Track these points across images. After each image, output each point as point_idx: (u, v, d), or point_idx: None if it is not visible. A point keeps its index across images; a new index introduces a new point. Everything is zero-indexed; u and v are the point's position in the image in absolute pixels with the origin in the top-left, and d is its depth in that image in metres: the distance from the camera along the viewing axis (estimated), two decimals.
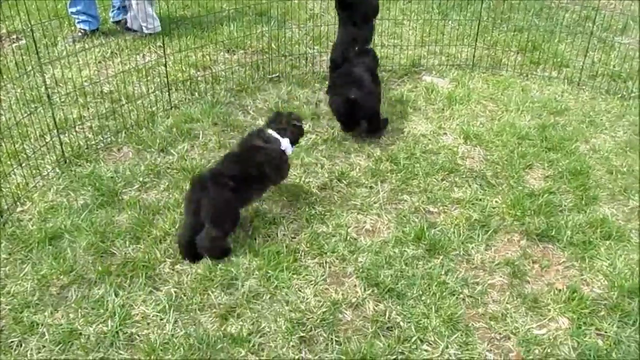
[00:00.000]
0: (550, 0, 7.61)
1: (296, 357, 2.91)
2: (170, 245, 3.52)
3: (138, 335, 3.00)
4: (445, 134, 4.79)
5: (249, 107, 5.03)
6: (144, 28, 6.17)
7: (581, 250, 3.64)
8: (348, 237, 3.64)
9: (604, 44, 6.46)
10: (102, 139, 4.51)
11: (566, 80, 5.82)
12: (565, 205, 4.02)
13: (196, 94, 5.21)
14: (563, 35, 6.64)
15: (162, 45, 5.32)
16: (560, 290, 3.35)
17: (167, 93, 5.00)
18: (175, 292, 3.23)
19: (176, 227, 3.62)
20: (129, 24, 6.26)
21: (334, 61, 5.05)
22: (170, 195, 3.93)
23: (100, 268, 3.34)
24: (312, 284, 3.30)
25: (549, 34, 6.58)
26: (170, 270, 3.37)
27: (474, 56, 6.03)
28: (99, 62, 5.67)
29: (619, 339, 3.08)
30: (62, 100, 4.89)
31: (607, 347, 3.04)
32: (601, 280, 3.45)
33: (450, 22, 6.90)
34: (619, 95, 5.60)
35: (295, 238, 3.62)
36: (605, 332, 3.12)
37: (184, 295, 3.21)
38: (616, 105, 5.40)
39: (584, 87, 5.74)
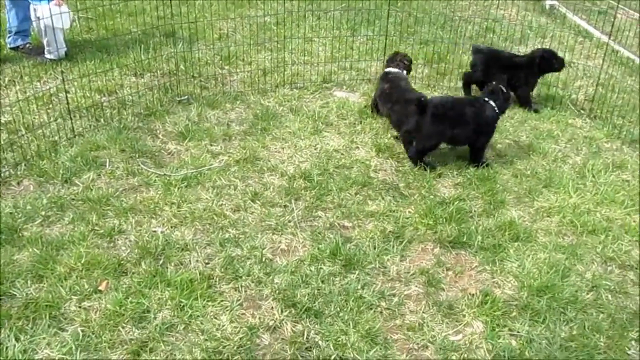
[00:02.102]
0: (454, 14, 7.91)
1: None
2: (76, 282, 3.34)
3: None
4: (357, 147, 4.85)
5: (158, 131, 4.90)
6: (46, 53, 5.91)
7: (492, 254, 3.75)
8: (263, 259, 3.58)
9: None
10: None
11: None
12: (475, 211, 4.14)
13: (102, 120, 5.01)
14: (467, 47, 6.89)
15: (63, 70, 5.10)
16: (473, 295, 3.43)
17: (69, 121, 4.79)
18: (82, 331, 3.06)
19: (82, 262, 3.44)
20: (45, 52, 5.96)
21: None
22: (76, 229, 3.74)
23: None
24: (227, 310, 3.21)
25: (453, 46, 6.82)
26: (76, 308, 3.19)
27: (382, 69, 6.15)
28: None
29: (530, 337, 3.18)
30: None
31: (520, 346, 3.13)
32: (512, 282, 3.56)
33: (359, 38, 7.03)
34: None
35: (208, 264, 3.53)
36: (518, 332, 3.22)
37: (93, 334, 3.04)
38: (518, 111, 5.65)
39: None
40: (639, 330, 3.26)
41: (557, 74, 5.93)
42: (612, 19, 6.32)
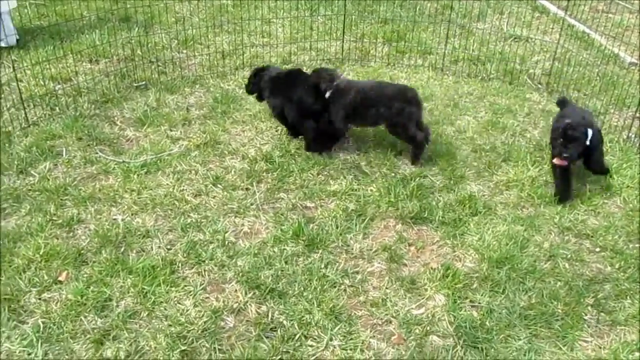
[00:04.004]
0: None
1: None
2: (35, 274, 3.28)
3: None
4: None
5: (116, 118, 4.81)
6: None
7: (452, 228, 3.81)
8: (226, 242, 3.57)
9: (463, 30, 6.82)
10: None
11: (430, 67, 6.08)
12: (435, 187, 4.19)
13: (57, 108, 4.90)
14: (425, 24, 6.94)
15: (14, 59, 4.96)
16: (435, 269, 3.48)
17: (23, 110, 4.66)
18: (43, 322, 3.01)
19: (40, 253, 3.37)
20: None
21: None
22: (33, 220, 3.67)
23: None
24: (191, 295, 3.20)
25: (412, 24, 6.83)
26: (36, 300, 3.14)
27: (342, 49, 6.15)
28: None
29: (491, 307, 3.25)
30: None
31: (481, 317, 3.20)
32: (472, 255, 3.63)
33: (318, 18, 6.99)
34: (480, 78, 5.94)
35: (171, 249, 3.51)
36: (479, 303, 3.29)
37: (54, 325, 3.00)
38: (477, 87, 5.71)
39: (447, 72, 6.03)
40: (594, 296, 3.36)
41: (514, 49, 5.99)
42: None
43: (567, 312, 3.25)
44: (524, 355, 3.00)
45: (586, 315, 3.26)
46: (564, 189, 4.14)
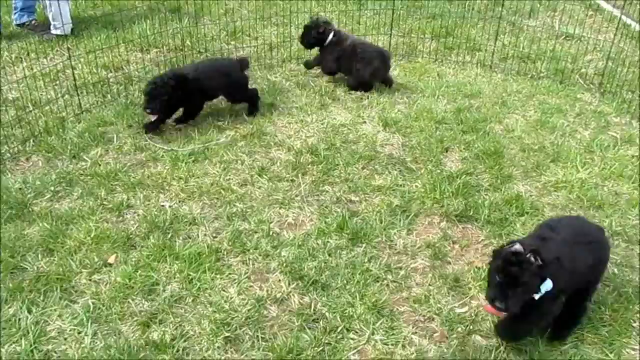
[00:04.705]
0: None
1: (222, 358, 2.85)
2: (86, 255, 3.38)
3: (55, 352, 2.86)
4: (364, 122, 4.84)
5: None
6: (52, 28, 5.90)
7: (498, 228, 3.75)
8: (271, 233, 3.61)
9: (514, 27, 6.69)
10: (8, 149, 4.27)
11: (479, 64, 5.99)
12: (482, 185, 4.13)
13: (109, 96, 5.02)
14: (475, 20, 6.83)
15: (69, 47, 5.10)
16: (479, 268, 3.44)
17: (76, 97, 4.79)
18: (93, 303, 3.10)
19: (91, 236, 3.47)
20: (51, 28, 5.95)
21: None
22: (84, 203, 3.78)
23: (11, 285, 3.16)
24: (235, 283, 3.25)
25: (461, 20, 6.74)
26: (87, 281, 3.24)
27: (389, 45, 6.11)
28: (3, 67, 5.36)
29: None
30: None
31: None
32: None
33: (366, 12, 6.96)
34: (529, 76, 5.83)
35: (216, 237, 3.56)
36: None
37: (103, 306, 3.09)
38: (526, 86, 5.60)
39: (495, 69, 5.93)
40: None
41: (566, 48, 5.86)
42: None
43: (614, 318, 3.17)
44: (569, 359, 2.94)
45: (634, 322, 3.17)
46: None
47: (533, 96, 5.42)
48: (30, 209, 3.72)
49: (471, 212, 3.85)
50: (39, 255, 3.37)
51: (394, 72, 5.68)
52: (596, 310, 3.19)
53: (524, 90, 5.52)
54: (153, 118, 4.43)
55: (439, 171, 4.24)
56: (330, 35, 5.31)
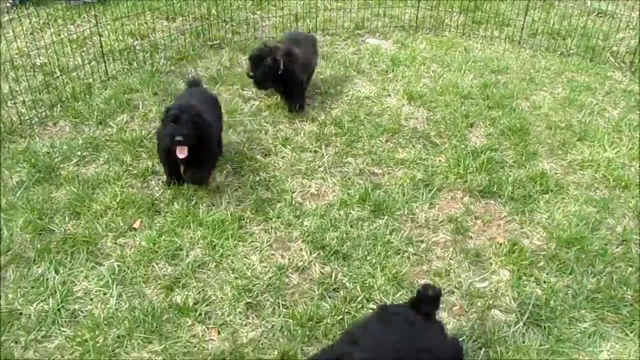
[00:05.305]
0: None
1: (243, 322, 2.91)
2: (111, 219, 3.44)
3: (81, 312, 2.94)
4: (389, 95, 4.80)
5: (190, 75, 4.91)
6: None
7: (521, 205, 3.73)
8: (293, 202, 3.63)
9: (544, 2, 6.54)
10: (36, 113, 4.33)
11: (507, 39, 5.88)
12: (506, 162, 4.10)
13: (134, 63, 5.05)
14: None
15: (96, 14, 5.12)
16: (501, 244, 3.43)
17: (103, 63, 4.83)
18: (118, 265, 3.17)
19: (117, 200, 3.53)
20: None
21: None
22: (110, 169, 3.83)
23: (39, 246, 3.24)
24: (257, 251, 3.29)
25: None
26: (112, 245, 3.30)
27: (417, 17, 6.03)
28: (30, 33, 5.41)
29: (557, 287, 3.18)
30: None
31: (546, 295, 3.14)
32: (540, 233, 3.55)
33: None
34: (559, 53, 5.71)
35: (239, 205, 3.59)
36: (544, 281, 3.23)
37: (128, 269, 3.15)
38: (555, 63, 5.50)
39: (524, 45, 5.82)
40: None
41: (598, 24, 5.71)
42: None
43: (636, 298, 3.15)
44: (589, 337, 2.94)
45: None
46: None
47: (562, 73, 5.32)
48: (57, 173, 3.78)
49: (494, 188, 3.83)
50: (66, 218, 3.44)
51: (421, 46, 5.61)
52: (618, 290, 3.17)
53: (552, 67, 5.41)
54: None
55: (463, 146, 4.21)
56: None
